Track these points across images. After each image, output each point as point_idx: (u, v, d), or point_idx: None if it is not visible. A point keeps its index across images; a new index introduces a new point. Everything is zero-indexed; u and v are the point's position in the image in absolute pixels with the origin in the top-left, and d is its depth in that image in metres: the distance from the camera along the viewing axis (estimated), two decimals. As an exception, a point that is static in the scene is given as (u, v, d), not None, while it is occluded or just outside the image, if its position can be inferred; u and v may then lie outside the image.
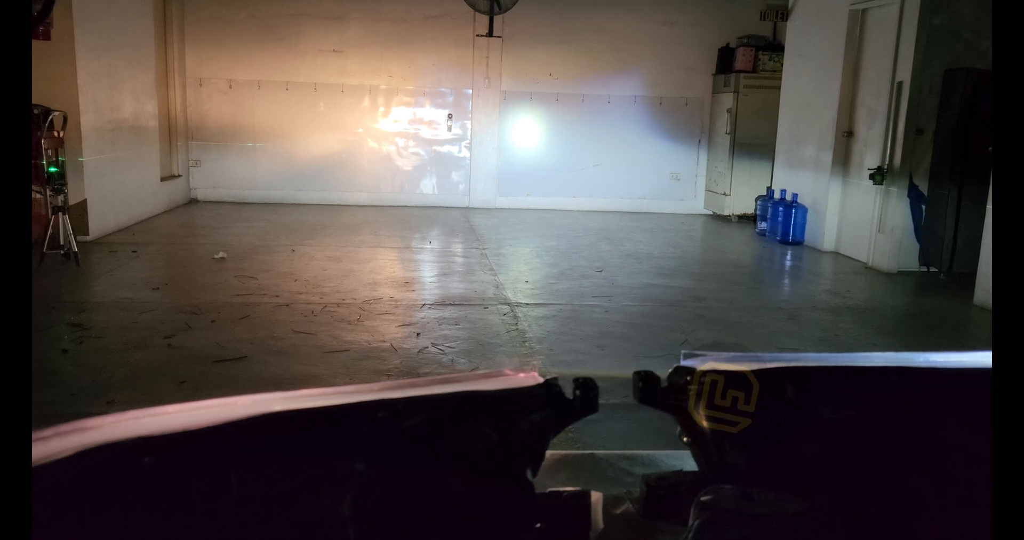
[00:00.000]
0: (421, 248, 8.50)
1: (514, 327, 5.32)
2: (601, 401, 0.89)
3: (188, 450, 0.62)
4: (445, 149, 11.53)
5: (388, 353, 4.66)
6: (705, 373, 0.88)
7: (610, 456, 1.28)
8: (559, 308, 5.87)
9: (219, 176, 11.14)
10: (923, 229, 7.60)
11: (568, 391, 0.90)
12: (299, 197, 11.12)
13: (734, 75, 10.66)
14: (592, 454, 1.28)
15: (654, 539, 1.02)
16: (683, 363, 0.96)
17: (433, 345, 4.83)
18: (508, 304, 5.89)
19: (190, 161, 11.06)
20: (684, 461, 1.02)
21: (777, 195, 9.51)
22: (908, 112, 7.48)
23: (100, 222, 7.99)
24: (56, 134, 6.69)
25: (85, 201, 7.66)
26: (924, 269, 7.57)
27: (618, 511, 1.02)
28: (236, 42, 10.87)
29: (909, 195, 7.63)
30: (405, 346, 4.80)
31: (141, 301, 5.64)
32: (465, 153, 11.54)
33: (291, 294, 5.94)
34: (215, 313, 5.33)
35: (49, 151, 6.57)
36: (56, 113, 6.67)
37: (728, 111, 10.75)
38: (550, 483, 0.91)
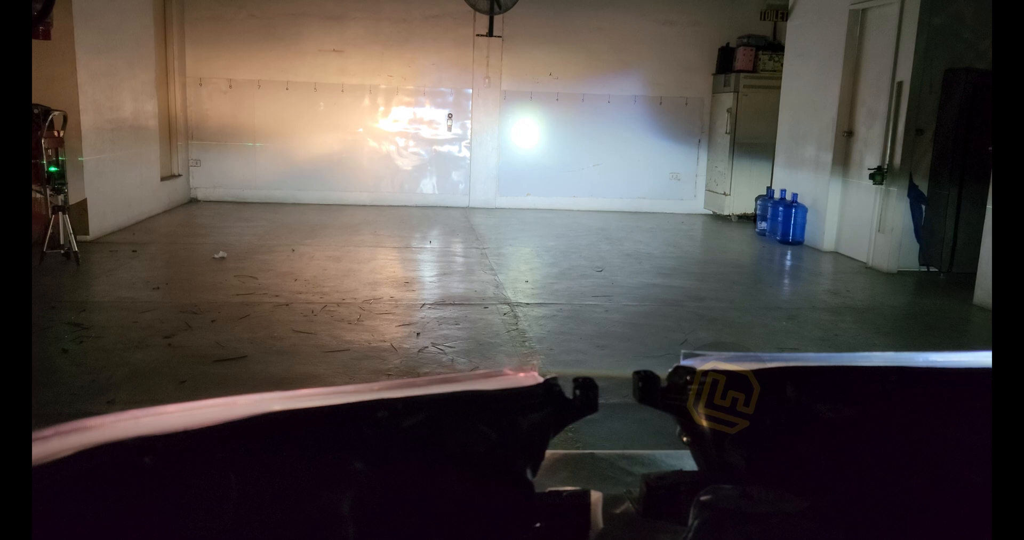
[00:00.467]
0: (421, 248, 8.50)
1: (514, 327, 5.32)
2: (601, 401, 0.89)
3: (188, 450, 0.62)
4: (445, 149, 11.53)
5: (388, 353, 4.66)
6: (706, 372, 0.88)
7: (610, 456, 1.28)
8: (559, 308, 5.87)
9: (219, 176, 11.14)
10: (923, 229, 7.60)
11: (568, 391, 0.90)
12: (299, 197, 11.12)
13: (734, 75, 10.66)
14: (592, 454, 1.28)
15: (654, 539, 1.02)
16: (683, 363, 0.96)
17: (433, 345, 4.83)
18: (508, 304, 5.89)
19: (190, 161, 11.06)
20: (684, 461, 1.02)
21: (777, 195, 9.51)
22: (908, 112, 7.48)
23: (100, 222, 7.99)
24: (56, 134, 6.69)
25: (85, 201, 7.66)
26: (924, 269, 7.57)
27: (618, 511, 1.02)
28: (236, 41, 10.87)
29: (909, 195, 7.64)
30: (405, 346, 4.80)
31: (141, 301, 5.64)
32: (465, 153, 11.54)
33: (291, 294, 5.94)
34: (215, 313, 5.33)
35: (49, 151, 6.57)
36: (56, 113, 6.67)
37: (728, 111, 10.75)
38: (550, 483, 0.91)
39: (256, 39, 10.88)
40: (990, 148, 6.36)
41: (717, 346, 4.89)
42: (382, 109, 11.34)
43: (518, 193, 11.55)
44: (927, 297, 6.90)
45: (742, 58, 10.65)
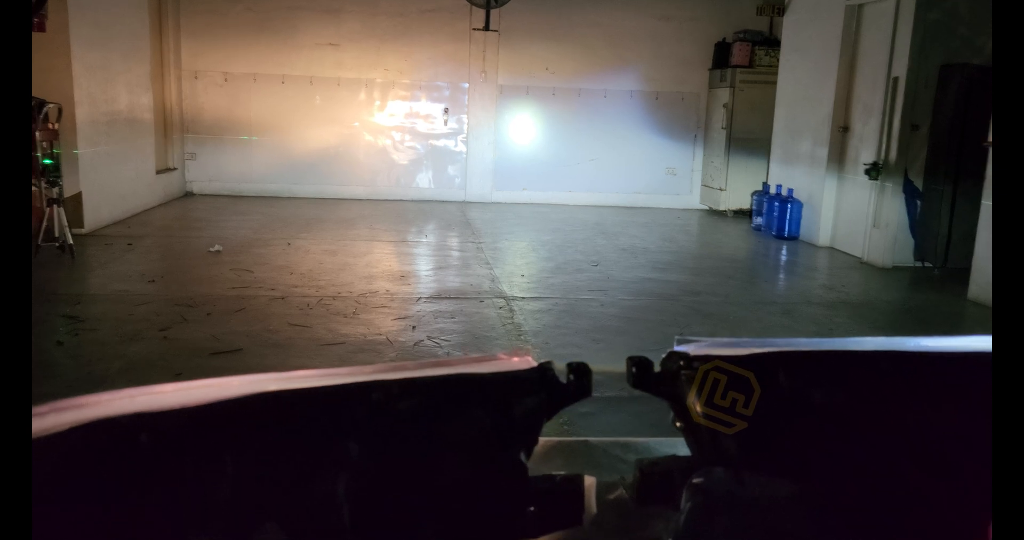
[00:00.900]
0: (417, 242, 8.50)
1: (510, 321, 5.33)
2: (596, 394, 0.89)
3: (184, 428, 0.63)
4: (441, 143, 11.52)
5: (384, 346, 4.66)
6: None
7: (603, 443, 1.29)
8: (555, 302, 5.88)
9: (215, 169, 11.11)
10: (918, 224, 7.62)
11: (562, 376, 0.90)
12: (295, 191, 11.11)
13: (730, 70, 10.67)
14: (586, 441, 1.28)
15: (647, 524, 1.03)
16: (676, 348, 0.96)
17: (429, 338, 4.84)
18: (504, 298, 5.90)
19: (185, 154, 11.03)
20: (678, 448, 1.03)
21: (773, 190, 9.53)
22: (904, 108, 7.50)
23: (95, 215, 7.98)
24: (51, 126, 6.67)
25: (80, 194, 7.64)
26: (919, 264, 7.59)
27: (611, 497, 1.03)
28: (232, 35, 10.84)
29: (904, 190, 7.65)
30: (401, 339, 4.80)
31: (136, 294, 5.63)
32: (461, 147, 11.53)
33: (287, 287, 5.94)
34: (211, 306, 5.33)
35: (44, 143, 6.55)
36: (51, 105, 6.65)
37: (724, 106, 10.75)
38: (544, 469, 0.91)
39: (252, 32, 10.85)
40: (985, 143, 6.38)
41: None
42: (378, 103, 11.32)
43: (514, 187, 11.54)
44: (922, 292, 6.93)
45: (738, 53, 10.65)
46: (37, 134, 6.46)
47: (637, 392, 1.13)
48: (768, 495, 0.82)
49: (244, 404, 0.65)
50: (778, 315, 5.85)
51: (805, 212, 9.01)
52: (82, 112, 7.66)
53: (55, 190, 6.61)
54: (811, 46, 9.06)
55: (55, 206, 6.53)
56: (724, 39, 11.12)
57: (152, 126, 9.78)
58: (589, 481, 0.93)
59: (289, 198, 10.92)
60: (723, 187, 10.88)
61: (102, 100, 8.21)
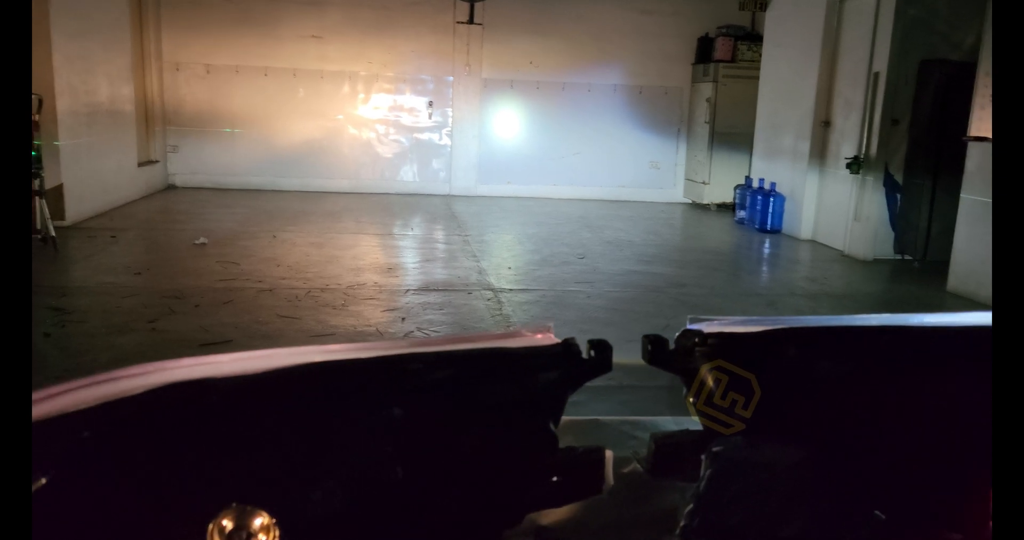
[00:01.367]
0: (403, 235, 8.51)
1: (498, 312, 5.36)
2: (585, 383, 0.94)
3: (246, 392, 0.66)
4: (426, 136, 11.51)
5: (374, 337, 4.68)
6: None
7: (614, 421, 1.33)
8: (542, 294, 5.92)
9: (197, 162, 11.04)
10: (898, 218, 7.73)
11: (584, 351, 0.94)
12: (279, 184, 11.06)
13: (713, 65, 10.74)
14: (596, 420, 1.32)
15: (661, 494, 1.07)
16: (689, 327, 1.00)
17: (419, 329, 4.86)
18: (492, 290, 5.93)
19: (167, 146, 10.95)
20: (685, 425, 1.07)
21: (756, 184, 9.62)
22: (884, 102, 7.60)
23: (77, 207, 7.91)
24: (32, 117, 6.60)
25: (61, 185, 7.57)
26: (899, 257, 7.71)
27: (625, 470, 1.07)
28: (214, 27, 10.76)
29: (885, 184, 7.76)
30: (391, 330, 4.83)
31: (123, 286, 5.61)
32: (446, 140, 11.54)
33: (274, 279, 5.94)
34: (198, 298, 5.32)
35: (26, 134, 6.48)
36: (31, 96, 6.58)
37: (707, 100, 10.83)
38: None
39: (234, 24, 10.78)
40: (964, 138, 6.49)
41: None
42: (362, 96, 11.29)
43: (499, 181, 11.57)
44: (902, 284, 7.04)
45: (721, 48, 10.73)
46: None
47: (625, 382, 1.17)
48: (782, 460, 0.86)
49: (298, 372, 0.69)
50: (763, 307, 5.93)
51: (787, 205, 9.11)
52: (63, 103, 7.59)
53: (36, 182, 6.55)
54: (793, 41, 9.15)
55: (37, 198, 6.48)
56: (707, 34, 11.20)
57: (133, 118, 9.70)
58: (608, 454, 0.97)
59: (273, 191, 10.87)
60: (706, 181, 10.97)
61: (83, 91, 8.14)
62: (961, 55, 7.24)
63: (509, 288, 6.03)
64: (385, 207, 10.06)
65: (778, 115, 9.49)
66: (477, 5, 10.94)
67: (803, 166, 8.83)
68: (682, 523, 0.81)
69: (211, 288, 5.61)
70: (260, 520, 0.66)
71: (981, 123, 6.33)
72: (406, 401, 0.74)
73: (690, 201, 11.56)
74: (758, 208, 9.32)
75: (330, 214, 9.22)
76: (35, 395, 0.65)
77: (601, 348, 0.95)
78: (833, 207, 8.43)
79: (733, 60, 10.65)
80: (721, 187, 10.79)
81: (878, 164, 7.72)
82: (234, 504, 0.65)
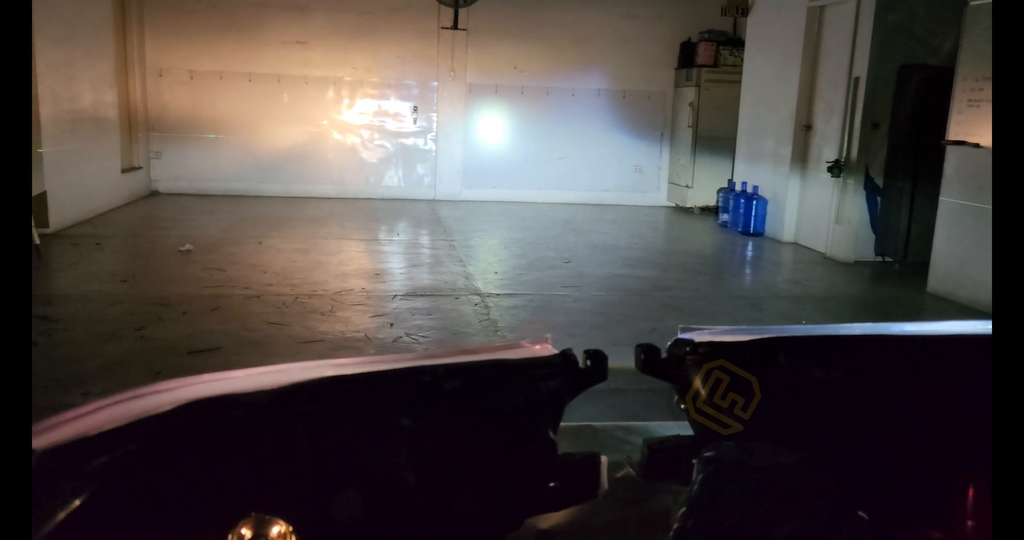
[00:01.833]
0: (389, 240, 8.52)
1: (486, 317, 5.39)
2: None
3: (267, 406, 0.69)
4: (410, 141, 11.53)
5: (363, 343, 4.70)
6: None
7: (607, 427, 1.37)
8: (529, 298, 5.96)
9: (180, 168, 11.00)
10: (878, 220, 7.84)
11: (580, 361, 0.98)
12: (263, 189, 11.04)
13: (696, 69, 10.84)
14: (590, 425, 1.36)
15: (654, 497, 1.11)
16: (681, 336, 1.05)
17: (407, 335, 4.89)
18: (479, 294, 5.97)
19: (151, 153, 10.90)
20: (677, 430, 1.11)
21: (738, 187, 9.72)
22: (864, 107, 7.70)
23: (60, 214, 7.87)
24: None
25: (45, 193, 7.53)
26: (880, 259, 7.81)
27: (619, 475, 1.11)
28: (197, 32, 10.73)
29: (865, 187, 7.87)
30: (379, 336, 4.85)
31: (109, 293, 5.59)
32: (431, 145, 11.56)
33: (261, 286, 5.94)
34: (185, 305, 5.32)
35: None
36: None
37: (690, 105, 10.92)
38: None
39: (218, 30, 10.75)
40: (942, 142, 6.59)
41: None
42: (347, 101, 11.29)
43: (484, 186, 11.60)
44: (883, 286, 7.14)
45: (703, 53, 10.83)
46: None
47: (614, 385, 1.21)
48: (774, 463, 0.90)
49: (314, 386, 0.72)
50: (747, 309, 6.00)
51: (770, 209, 9.20)
52: (46, 110, 7.55)
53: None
54: (774, 46, 9.25)
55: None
56: (689, 39, 11.29)
57: (117, 124, 9.66)
58: (603, 459, 1.01)
59: (257, 197, 10.85)
60: (690, 184, 11.06)
61: (66, 98, 8.10)
62: (939, 60, 7.36)
63: (496, 292, 6.07)
64: (370, 212, 10.07)
65: (760, 119, 9.59)
66: (461, 11, 10.98)
67: (785, 169, 8.93)
68: (675, 525, 0.85)
69: (198, 295, 5.60)
70: (278, 528, 0.69)
71: (959, 127, 6.44)
72: (416, 412, 0.78)
73: (674, 205, 11.64)
74: (741, 211, 9.41)
75: (315, 220, 9.22)
76: (60, 417, 0.67)
77: (597, 358, 0.99)
78: (815, 210, 8.53)
79: (715, 65, 10.75)
80: (704, 191, 10.88)
81: (859, 167, 7.82)
82: (253, 513, 0.68)
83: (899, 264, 7.58)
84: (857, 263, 7.82)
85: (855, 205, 7.89)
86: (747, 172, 9.74)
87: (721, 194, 10.18)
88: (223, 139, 11.05)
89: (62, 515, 0.60)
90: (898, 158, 7.61)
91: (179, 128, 10.92)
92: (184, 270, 6.39)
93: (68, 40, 8.13)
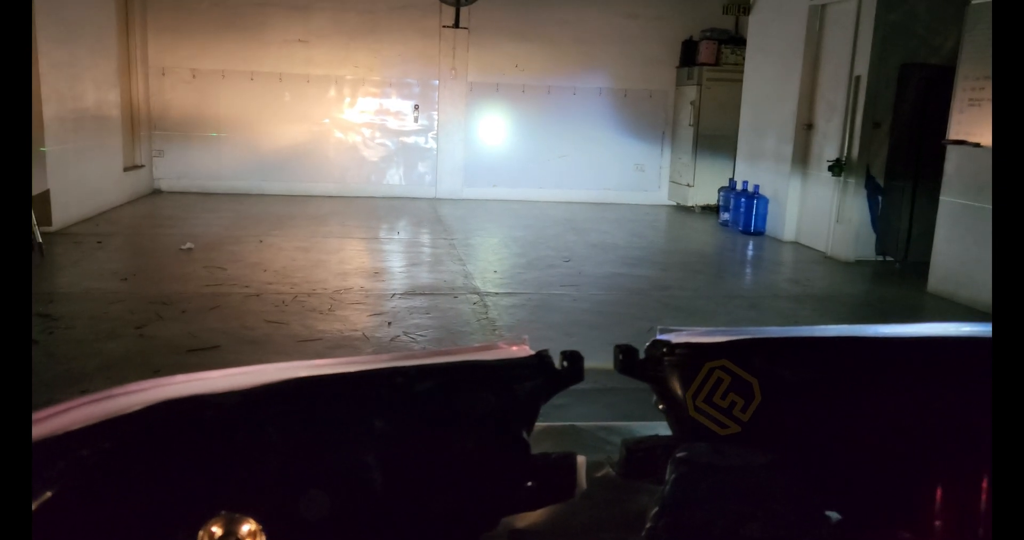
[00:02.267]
0: (389, 238, 8.54)
1: (484, 316, 5.41)
2: (572, 388, 0.99)
3: (237, 407, 0.71)
4: (412, 140, 11.55)
5: (360, 342, 4.72)
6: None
7: (590, 427, 1.38)
8: (528, 297, 5.97)
9: (183, 166, 11.03)
10: (879, 220, 7.83)
11: (557, 362, 0.99)
12: (265, 188, 11.07)
13: (697, 68, 10.83)
14: (573, 425, 1.38)
15: (633, 498, 1.13)
16: (659, 337, 1.06)
17: (405, 334, 4.90)
18: (477, 293, 5.98)
19: (153, 151, 10.93)
20: (659, 431, 1.12)
21: (739, 186, 9.71)
22: (865, 106, 7.69)
23: (63, 212, 7.90)
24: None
25: (48, 191, 7.56)
26: (880, 258, 7.81)
27: (599, 475, 1.13)
28: (199, 31, 10.76)
29: (866, 187, 7.86)
30: (377, 335, 4.86)
31: (110, 291, 5.62)
32: (432, 144, 11.57)
33: (261, 284, 5.96)
34: (185, 303, 5.34)
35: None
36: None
37: (691, 103, 10.92)
38: (536, 451, 1.00)
39: (220, 29, 10.78)
40: (943, 142, 6.59)
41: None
42: (348, 100, 11.31)
43: (484, 184, 11.61)
44: (883, 285, 7.13)
45: (705, 52, 10.82)
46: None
47: (610, 384, 1.21)
48: (746, 464, 0.91)
49: (285, 387, 0.73)
50: (745, 309, 6.00)
51: (771, 208, 9.20)
52: (49, 109, 7.58)
53: (23, 188, 6.54)
54: (776, 45, 9.24)
55: (23, 204, 6.47)
56: (691, 37, 11.28)
57: (119, 123, 9.69)
58: (580, 459, 1.02)
59: (259, 195, 10.87)
60: (691, 183, 11.06)
61: (69, 97, 8.13)
62: (940, 59, 7.35)
63: (495, 292, 6.08)
64: (371, 211, 10.08)
65: (761, 118, 9.58)
66: (463, 9, 10.99)
67: (786, 169, 8.93)
68: (648, 525, 0.86)
69: (198, 293, 5.62)
70: (247, 527, 0.70)
71: (960, 127, 6.43)
72: (388, 413, 0.79)
73: (675, 203, 11.64)
74: (742, 210, 9.41)
75: (316, 218, 9.24)
76: (34, 415, 0.68)
77: (573, 359, 1.00)
78: (816, 209, 8.53)
79: (717, 63, 10.74)
80: (705, 189, 10.88)
81: (860, 167, 7.82)
82: (223, 512, 0.70)
83: (900, 264, 7.58)
84: (858, 262, 7.81)
85: (856, 204, 7.88)
86: (748, 171, 9.74)
87: (722, 193, 10.17)
88: (225, 137, 11.08)
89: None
90: (899, 157, 7.61)
91: (181, 127, 10.95)
92: (185, 268, 6.42)
93: (71, 39, 8.15)
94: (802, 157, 8.79)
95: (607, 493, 1.11)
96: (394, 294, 5.89)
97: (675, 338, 1.06)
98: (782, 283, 7.12)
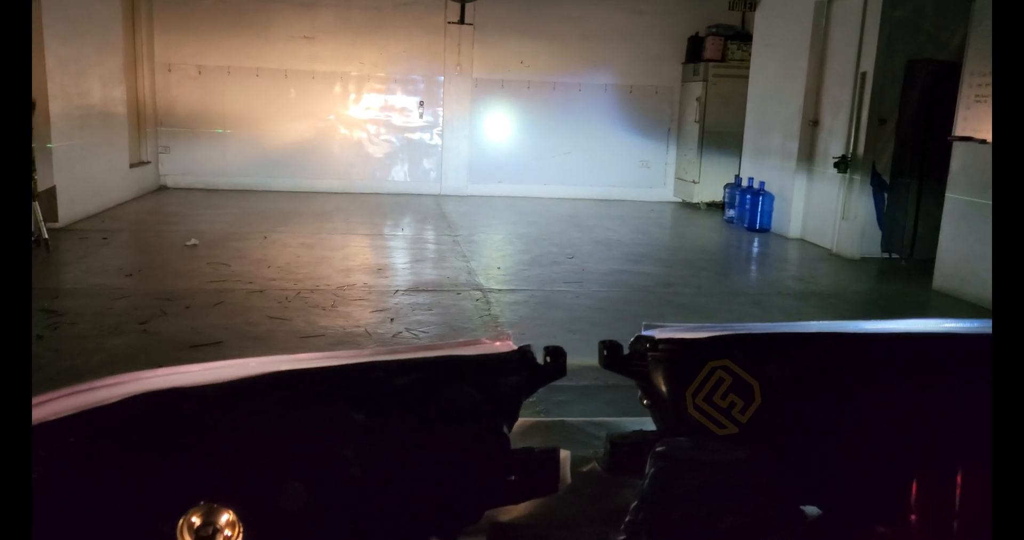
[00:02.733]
0: (393, 235, 8.55)
1: (487, 312, 5.41)
2: (572, 383, 0.99)
3: (217, 400, 0.71)
4: (416, 136, 11.55)
5: (363, 338, 4.73)
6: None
7: (579, 422, 1.39)
8: (531, 294, 5.97)
9: (189, 163, 11.07)
10: (885, 217, 7.80)
11: (540, 358, 1.00)
12: (270, 184, 11.09)
13: (703, 64, 10.80)
14: (563, 421, 1.38)
15: (617, 492, 1.13)
16: (643, 333, 1.06)
17: (407, 330, 4.91)
18: (480, 290, 5.98)
19: (159, 148, 10.97)
20: (647, 426, 1.13)
21: (745, 183, 9.68)
22: (871, 102, 7.66)
23: (69, 209, 7.93)
24: (24, 120, 6.62)
25: (54, 187, 7.59)
26: (886, 255, 7.78)
27: (585, 469, 1.13)
28: (205, 28, 10.78)
29: (872, 183, 7.83)
30: (379, 331, 4.87)
31: (114, 287, 5.64)
32: (437, 140, 11.58)
33: (265, 280, 5.98)
34: (189, 299, 5.36)
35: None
36: (24, 99, 6.60)
37: (697, 100, 10.89)
38: (525, 446, 1.01)
39: (226, 25, 10.80)
40: (949, 138, 6.56)
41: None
42: (353, 96, 11.32)
43: (489, 181, 11.61)
44: (889, 283, 7.11)
45: (711, 47, 10.79)
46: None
47: (611, 381, 1.22)
48: (726, 459, 0.91)
49: (265, 380, 0.74)
50: (749, 306, 5.99)
51: (776, 204, 9.17)
52: (56, 106, 7.61)
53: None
54: (782, 41, 9.21)
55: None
56: (697, 33, 11.25)
57: (125, 120, 9.72)
58: (564, 454, 1.03)
59: (264, 191, 10.90)
60: (696, 180, 11.03)
61: (75, 94, 8.16)
62: (947, 55, 7.31)
63: (498, 288, 6.08)
64: (375, 207, 10.10)
65: (767, 114, 9.55)
66: (468, 5, 10.98)
67: (792, 165, 8.90)
68: (627, 518, 0.87)
69: (202, 290, 5.65)
70: (226, 517, 0.71)
71: (966, 123, 6.40)
72: (367, 407, 0.80)
73: (680, 200, 11.62)
74: (747, 207, 9.38)
75: (321, 214, 9.25)
76: None
77: (556, 354, 1.00)
78: (821, 206, 8.50)
79: (723, 59, 10.71)
80: (711, 186, 10.85)
81: (865, 163, 7.79)
82: (202, 502, 0.71)
83: (905, 260, 7.55)
84: (863, 259, 7.79)
85: (861, 201, 7.86)
86: (754, 168, 9.71)
87: (728, 190, 10.14)
88: (231, 134, 11.10)
89: None
90: (905, 154, 7.57)
91: (187, 123, 10.98)
92: (189, 265, 6.44)
93: (77, 36, 8.18)
94: (808, 154, 8.76)
95: (593, 487, 1.12)
96: (397, 290, 5.90)
97: (659, 334, 1.06)
98: (787, 280, 7.10)
